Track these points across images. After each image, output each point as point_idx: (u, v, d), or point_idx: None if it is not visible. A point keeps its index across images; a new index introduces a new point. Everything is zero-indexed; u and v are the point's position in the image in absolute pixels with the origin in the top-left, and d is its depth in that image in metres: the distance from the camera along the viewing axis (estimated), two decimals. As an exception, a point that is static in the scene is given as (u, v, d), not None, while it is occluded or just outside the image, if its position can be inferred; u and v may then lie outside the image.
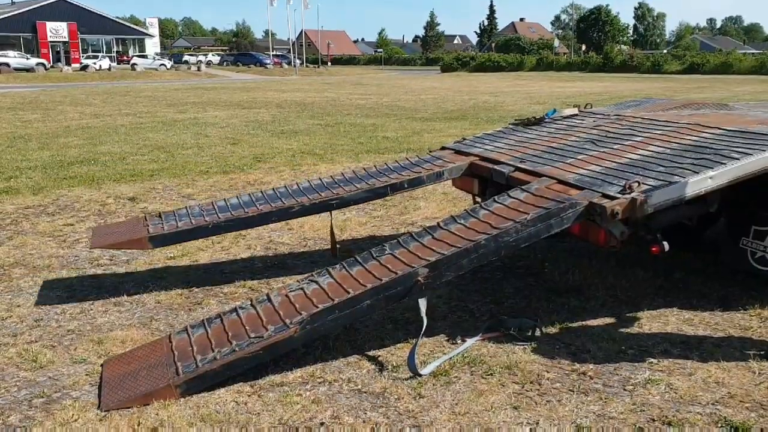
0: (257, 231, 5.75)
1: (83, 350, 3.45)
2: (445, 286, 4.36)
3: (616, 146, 4.20)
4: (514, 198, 3.68)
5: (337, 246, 4.77)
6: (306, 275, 3.55)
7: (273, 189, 4.62)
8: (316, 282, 3.38)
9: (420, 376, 3.14)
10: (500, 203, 3.66)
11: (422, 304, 3.26)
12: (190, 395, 2.95)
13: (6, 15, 55.27)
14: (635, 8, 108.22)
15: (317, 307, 3.13)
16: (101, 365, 3.25)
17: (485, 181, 4.51)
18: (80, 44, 58.38)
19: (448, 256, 3.24)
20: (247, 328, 3.15)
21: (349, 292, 3.17)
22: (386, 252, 3.47)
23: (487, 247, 3.28)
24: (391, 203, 6.64)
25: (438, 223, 3.62)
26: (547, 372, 3.19)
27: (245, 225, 4.33)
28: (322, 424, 2.77)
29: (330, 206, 4.38)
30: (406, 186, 4.48)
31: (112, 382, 3.04)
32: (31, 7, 56.30)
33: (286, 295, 3.32)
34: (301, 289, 3.34)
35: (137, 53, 61.34)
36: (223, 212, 4.31)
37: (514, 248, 3.39)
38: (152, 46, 67.70)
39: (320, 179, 4.69)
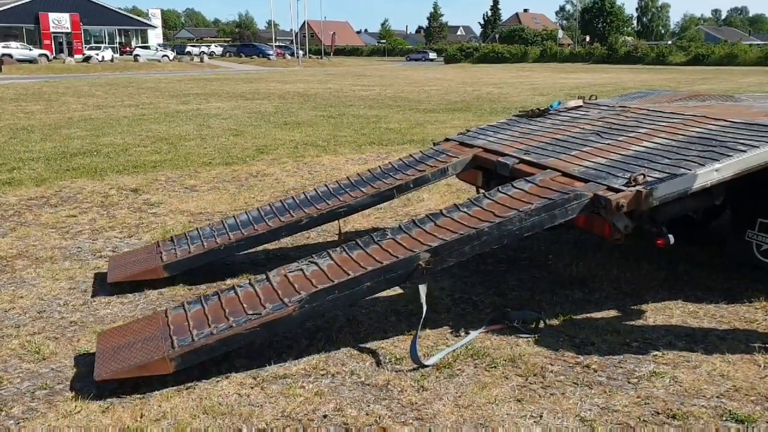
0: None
1: (86, 342, 3.45)
2: (448, 278, 4.35)
3: (620, 138, 4.18)
4: (518, 189, 3.67)
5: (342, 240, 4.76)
6: (306, 257, 3.53)
7: (281, 201, 4.66)
8: (316, 263, 3.35)
9: (423, 366, 3.13)
10: (504, 193, 3.64)
11: (422, 290, 3.24)
12: (184, 368, 2.94)
13: (8, 6, 55.19)
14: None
15: (316, 287, 3.10)
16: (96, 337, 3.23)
17: (489, 173, 4.49)
18: (83, 35, 58.34)
19: (450, 241, 3.21)
20: (244, 305, 3.11)
21: (349, 274, 3.15)
22: (388, 236, 3.45)
23: (490, 235, 3.26)
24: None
25: (441, 211, 3.61)
26: (551, 365, 3.18)
27: (256, 243, 4.37)
28: (324, 416, 2.77)
29: (338, 215, 4.40)
30: (411, 186, 4.49)
31: (106, 353, 3.01)
32: (33, -2, 56.21)
33: (285, 276, 3.29)
34: (301, 270, 3.31)
35: (140, 44, 61.21)
36: (233, 231, 4.38)
37: (517, 237, 3.37)
38: (155, 37, 67.57)
39: (326, 185, 4.71)
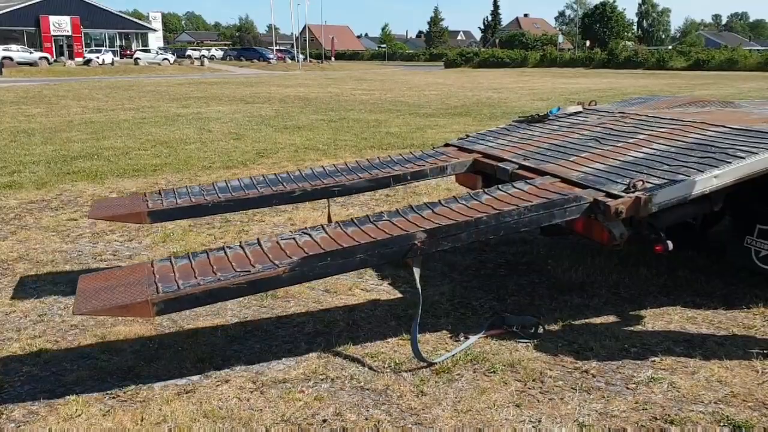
0: (259, 225, 5.76)
1: (86, 345, 3.46)
2: (448, 282, 4.37)
3: (620, 144, 4.19)
4: (518, 188, 3.68)
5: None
6: (299, 228, 3.47)
7: (275, 174, 4.59)
8: (309, 235, 3.30)
9: (424, 362, 3.16)
10: (504, 191, 3.65)
11: (416, 273, 3.22)
12: (165, 315, 2.88)
13: (9, 9, 55.28)
14: (639, 4, 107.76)
15: (308, 254, 3.05)
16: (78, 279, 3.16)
17: (489, 178, 4.50)
18: (83, 38, 58.40)
19: (447, 225, 3.19)
20: (233, 264, 3.04)
21: (342, 246, 3.10)
22: (384, 218, 3.42)
23: (487, 224, 3.24)
24: (393, 199, 6.64)
25: (439, 200, 3.60)
26: (550, 370, 3.19)
27: (245, 206, 4.26)
28: (324, 421, 2.78)
29: (332, 193, 4.33)
30: (409, 178, 4.46)
31: (88, 292, 2.91)
32: (34, 1, 56.30)
33: (277, 242, 3.23)
34: (293, 238, 3.26)
35: (140, 47, 61.33)
36: (223, 193, 4.25)
37: (514, 230, 3.36)
38: (155, 40, 67.70)
39: (323, 167, 4.67)
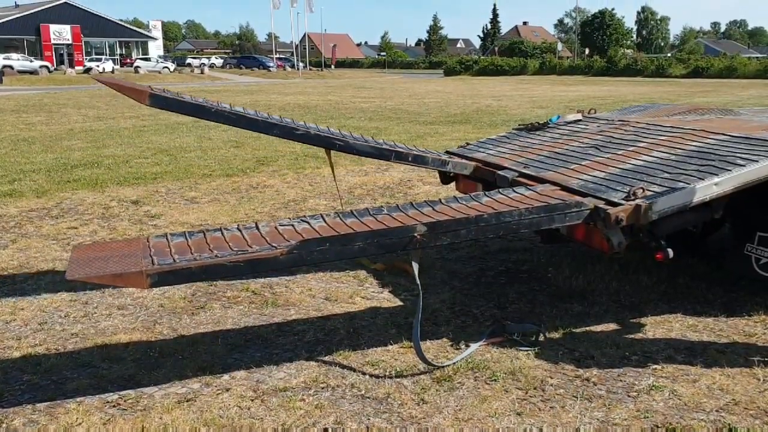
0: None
1: (87, 354, 3.46)
2: (448, 290, 4.36)
3: (620, 152, 4.20)
4: (518, 193, 3.69)
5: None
6: (299, 216, 3.47)
7: (279, 116, 4.56)
8: (308, 223, 3.29)
9: (427, 363, 3.18)
10: (505, 195, 3.65)
11: (415, 267, 3.21)
12: (159, 287, 2.85)
13: (10, 18, 55.53)
14: (638, 12, 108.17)
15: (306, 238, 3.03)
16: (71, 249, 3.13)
17: (489, 185, 4.51)
18: (84, 47, 58.70)
19: (448, 220, 3.18)
20: (230, 244, 3.02)
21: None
22: (383, 212, 3.42)
23: (487, 222, 3.22)
24: (393, 202, 6.63)
25: (440, 199, 3.61)
26: (551, 378, 3.18)
27: (247, 125, 4.20)
28: (325, 429, 2.77)
29: (333, 144, 4.31)
30: (410, 160, 4.49)
31: (81, 260, 2.88)
32: (34, 10, 56.65)
33: (275, 227, 3.22)
34: (292, 225, 3.26)
35: (140, 56, 61.56)
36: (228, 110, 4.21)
37: (513, 231, 3.35)
38: (155, 48, 67.96)
39: (328, 128, 4.66)
